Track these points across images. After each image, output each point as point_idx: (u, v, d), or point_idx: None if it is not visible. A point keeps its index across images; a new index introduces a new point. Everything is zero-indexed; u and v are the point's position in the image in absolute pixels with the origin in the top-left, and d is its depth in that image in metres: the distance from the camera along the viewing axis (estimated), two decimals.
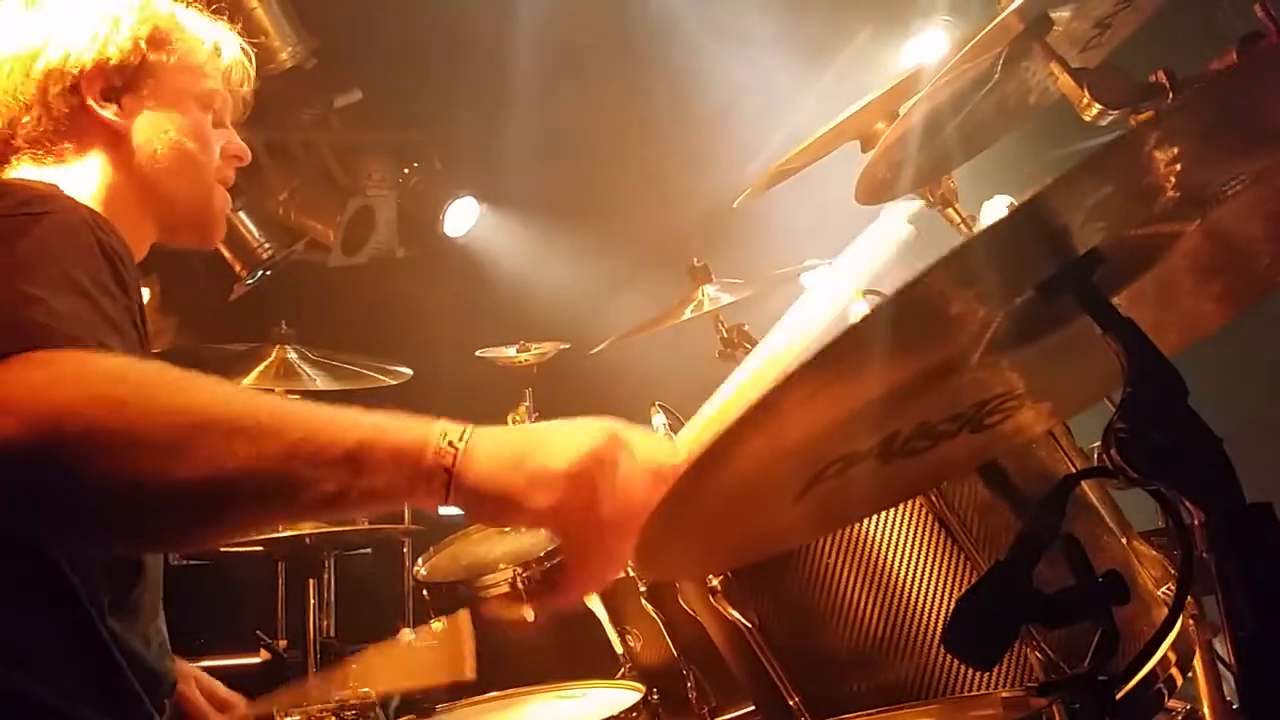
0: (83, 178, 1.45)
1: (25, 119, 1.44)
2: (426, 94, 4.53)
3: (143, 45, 1.50)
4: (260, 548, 3.30)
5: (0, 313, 1.04)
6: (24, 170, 1.44)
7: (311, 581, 3.33)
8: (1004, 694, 1.50)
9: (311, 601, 3.30)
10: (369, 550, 3.91)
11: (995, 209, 3.11)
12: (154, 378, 1.00)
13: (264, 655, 3.15)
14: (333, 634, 3.35)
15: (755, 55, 4.36)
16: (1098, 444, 1.12)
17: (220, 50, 1.61)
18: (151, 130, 1.50)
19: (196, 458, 0.95)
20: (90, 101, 1.46)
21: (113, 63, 1.48)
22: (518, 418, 3.26)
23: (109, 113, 1.47)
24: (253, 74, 1.67)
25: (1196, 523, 0.95)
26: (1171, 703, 1.89)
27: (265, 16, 3.80)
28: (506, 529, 3.20)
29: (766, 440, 0.96)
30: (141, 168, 1.49)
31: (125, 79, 1.49)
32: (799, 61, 4.35)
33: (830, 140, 2.44)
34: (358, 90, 4.38)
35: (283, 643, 3.27)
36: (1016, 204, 0.90)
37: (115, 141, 1.48)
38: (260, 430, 0.97)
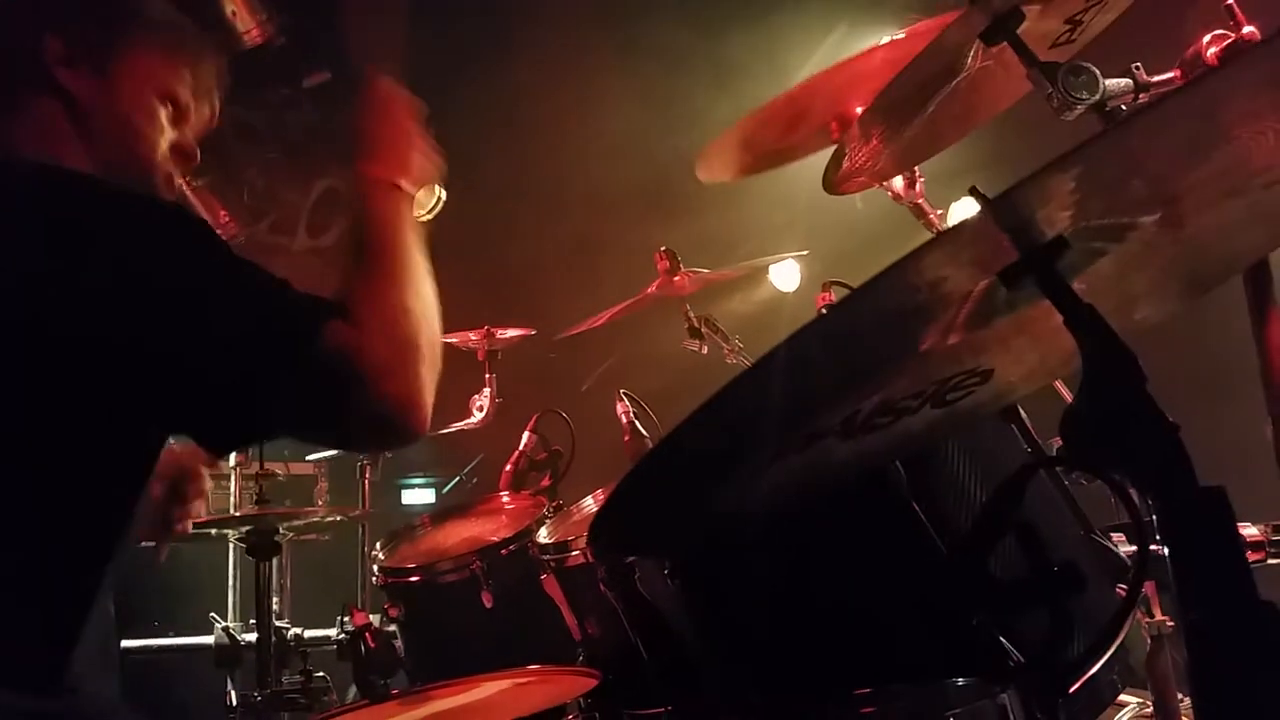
0: (34, 131, 1.42)
1: None
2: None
3: (120, 21, 1.49)
4: (214, 530, 3.26)
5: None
6: None
7: (265, 565, 3.29)
8: (959, 681, 1.49)
9: (266, 584, 3.26)
10: (327, 537, 3.88)
11: (964, 209, 3.14)
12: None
13: (217, 636, 3.12)
14: (284, 617, 3.32)
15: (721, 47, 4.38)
16: (1056, 437, 1.13)
17: (197, 49, 1.58)
18: (104, 103, 1.46)
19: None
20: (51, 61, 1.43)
21: (87, 28, 1.46)
22: (482, 402, 3.25)
23: (66, 75, 1.44)
24: (224, 79, 1.64)
25: (1151, 513, 0.95)
26: (1124, 696, 1.91)
27: None
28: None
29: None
30: (88, 134, 1.45)
31: (93, 49, 1.46)
32: (772, 56, 4.36)
33: (803, 132, 2.45)
34: (326, 70, 4.34)
35: (235, 625, 3.25)
36: (983, 199, 0.91)
37: (68, 104, 1.44)
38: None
